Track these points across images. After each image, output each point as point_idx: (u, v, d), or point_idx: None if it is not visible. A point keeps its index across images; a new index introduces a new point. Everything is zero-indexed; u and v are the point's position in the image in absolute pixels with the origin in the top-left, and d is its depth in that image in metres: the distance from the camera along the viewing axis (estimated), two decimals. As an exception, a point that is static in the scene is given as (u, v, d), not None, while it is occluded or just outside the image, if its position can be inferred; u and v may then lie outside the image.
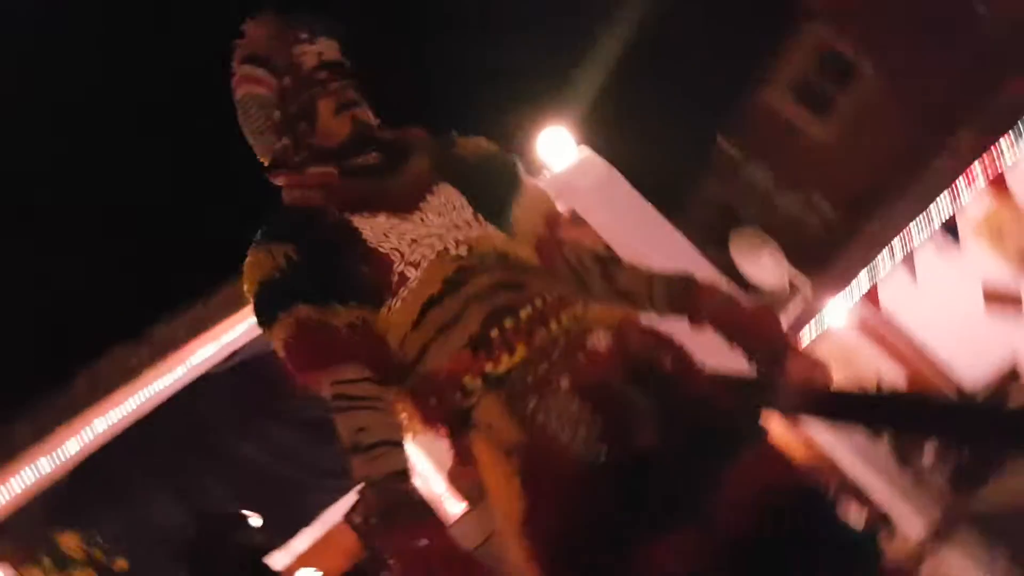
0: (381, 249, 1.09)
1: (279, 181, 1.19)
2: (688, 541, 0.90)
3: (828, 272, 4.53)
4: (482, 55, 6.21)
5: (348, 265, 1.08)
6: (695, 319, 1.15)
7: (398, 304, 1.06)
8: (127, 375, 3.24)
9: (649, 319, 1.14)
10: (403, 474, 1.01)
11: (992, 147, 3.47)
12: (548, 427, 0.96)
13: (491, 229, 1.14)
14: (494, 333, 1.01)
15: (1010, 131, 3.43)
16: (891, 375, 5.17)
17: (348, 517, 1.20)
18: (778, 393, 1.08)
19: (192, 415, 4.02)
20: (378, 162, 1.16)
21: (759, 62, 7.26)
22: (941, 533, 2.64)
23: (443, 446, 1.10)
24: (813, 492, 1.00)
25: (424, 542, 0.96)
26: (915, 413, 1.16)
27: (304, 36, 1.17)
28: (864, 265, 3.95)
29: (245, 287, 1.12)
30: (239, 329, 3.80)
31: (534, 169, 3.17)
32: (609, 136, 3.66)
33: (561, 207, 2.91)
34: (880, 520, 3.86)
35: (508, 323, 1.02)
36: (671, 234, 2.89)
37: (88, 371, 3.22)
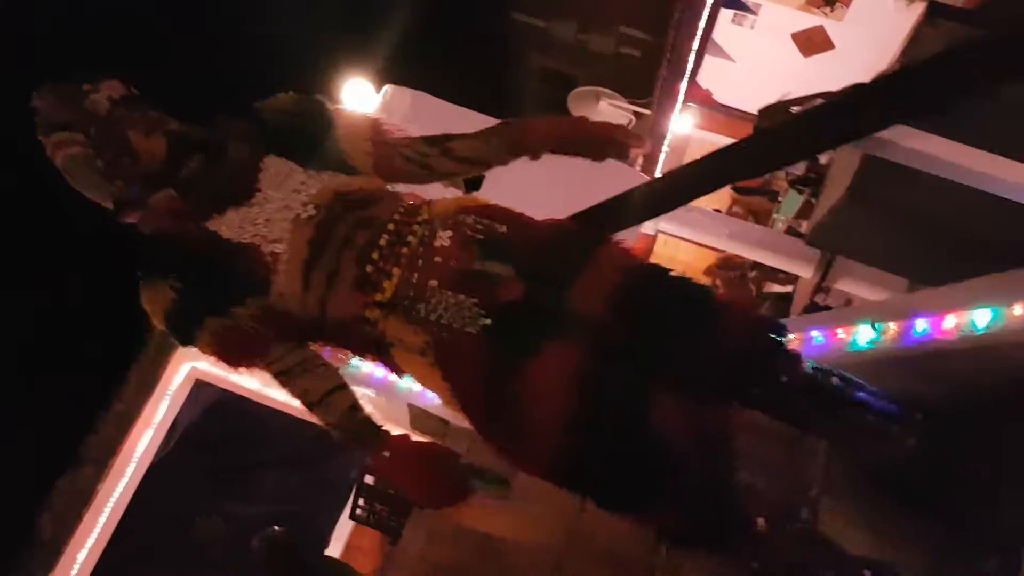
0: (244, 241, 1.20)
1: (130, 220, 1.28)
2: (562, 348, 1.13)
3: (661, 89, 4.84)
4: (270, 27, 6.05)
5: (226, 270, 1.20)
6: (534, 152, 1.30)
7: (281, 279, 1.18)
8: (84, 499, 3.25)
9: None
10: (354, 407, 1.21)
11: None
12: (439, 320, 1.16)
13: (326, 177, 1.25)
14: (370, 268, 1.17)
15: None
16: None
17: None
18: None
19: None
20: (202, 164, 1.25)
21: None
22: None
23: (376, 367, 1.30)
24: (649, 268, 1.24)
25: (386, 453, 1.17)
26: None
27: (87, 88, 1.25)
28: (684, 69, 4.26)
29: (154, 323, 1.23)
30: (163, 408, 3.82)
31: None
32: (415, 69, 3.75)
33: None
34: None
35: (375, 255, 1.17)
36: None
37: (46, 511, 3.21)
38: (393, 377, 1.89)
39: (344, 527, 4.60)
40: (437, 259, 1.19)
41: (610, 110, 6.27)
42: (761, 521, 1.11)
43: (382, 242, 1.18)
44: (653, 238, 4.49)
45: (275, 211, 1.22)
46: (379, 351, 1.22)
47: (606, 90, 6.32)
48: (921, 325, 1.24)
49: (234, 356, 1.22)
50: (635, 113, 6.04)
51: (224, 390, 4.16)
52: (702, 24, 3.97)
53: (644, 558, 1.58)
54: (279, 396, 3.48)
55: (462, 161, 1.31)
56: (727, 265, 4.80)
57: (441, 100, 2.89)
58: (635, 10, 7.17)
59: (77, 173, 1.25)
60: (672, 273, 1.22)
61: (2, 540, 3.40)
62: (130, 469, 3.73)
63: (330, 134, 1.29)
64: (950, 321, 1.21)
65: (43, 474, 3.39)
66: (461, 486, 1.17)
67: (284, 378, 1.22)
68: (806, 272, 3.14)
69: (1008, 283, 1.17)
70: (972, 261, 1.30)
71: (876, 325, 1.29)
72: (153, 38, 5.77)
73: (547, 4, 7.76)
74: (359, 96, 3.22)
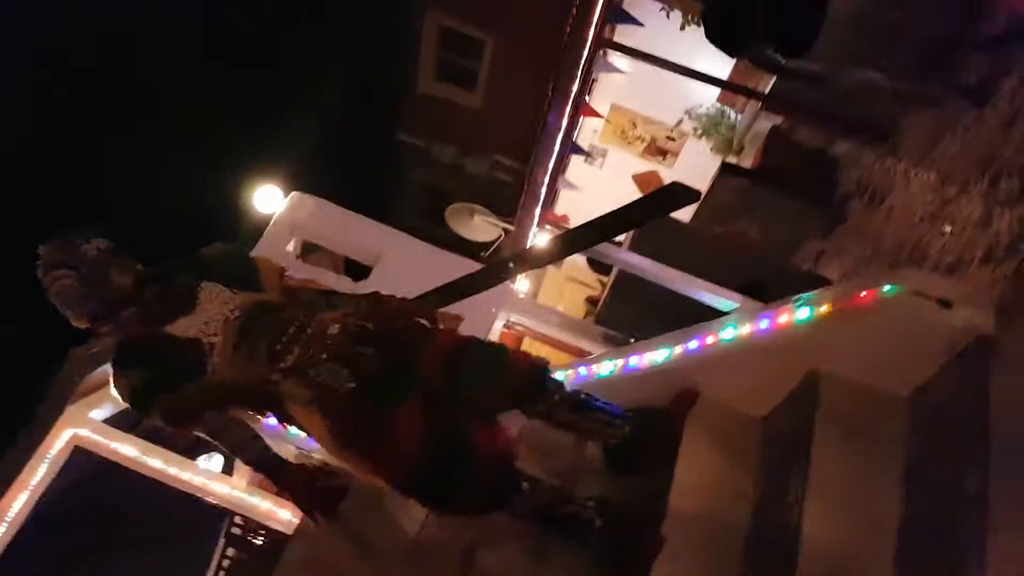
0: (190, 336, 1.90)
1: (105, 331, 1.97)
2: (414, 402, 1.80)
3: (522, 212, 6.02)
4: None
5: (177, 359, 1.87)
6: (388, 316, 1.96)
7: (216, 359, 1.87)
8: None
9: None
10: (266, 448, 1.89)
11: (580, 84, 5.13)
12: (323, 382, 1.81)
13: (245, 294, 1.95)
14: (278, 347, 1.84)
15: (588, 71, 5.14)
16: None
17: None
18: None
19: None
20: (157, 291, 1.98)
21: (403, 59, 8.66)
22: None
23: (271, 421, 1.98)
24: (468, 340, 1.99)
25: (288, 478, 1.87)
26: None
27: (80, 241, 1.97)
28: (538, 196, 5.46)
29: (122, 401, 1.90)
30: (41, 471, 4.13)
31: (259, 221, 4.05)
32: (315, 178, 4.67)
33: (293, 243, 3.81)
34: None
35: (284, 339, 1.85)
36: (387, 230, 3.87)
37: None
38: (284, 427, 2.75)
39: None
40: (328, 343, 1.86)
41: (483, 224, 7.43)
42: (526, 485, 1.92)
43: (291, 330, 1.88)
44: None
45: (211, 316, 1.92)
46: (277, 406, 1.88)
47: (479, 207, 7.50)
48: (633, 361, 2.26)
49: (180, 420, 1.90)
50: (504, 229, 7.22)
51: (87, 467, 4.47)
52: (552, 162, 5.22)
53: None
54: (156, 463, 3.92)
55: (336, 308, 2.01)
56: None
57: (339, 206, 3.75)
58: (508, 142, 8.59)
59: (67, 297, 1.96)
60: (481, 341, 2.01)
61: None
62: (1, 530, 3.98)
63: (252, 271, 2.08)
64: (646, 359, 2.23)
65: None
66: (339, 496, 1.86)
67: (218, 433, 1.88)
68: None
69: (677, 337, 2.22)
70: (664, 324, 2.36)
71: (612, 360, 2.30)
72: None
73: (431, 129, 9.05)
74: (269, 200, 4.06)
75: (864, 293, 1.81)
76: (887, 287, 1.76)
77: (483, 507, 1.92)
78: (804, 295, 1.91)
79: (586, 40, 4.99)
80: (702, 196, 1.77)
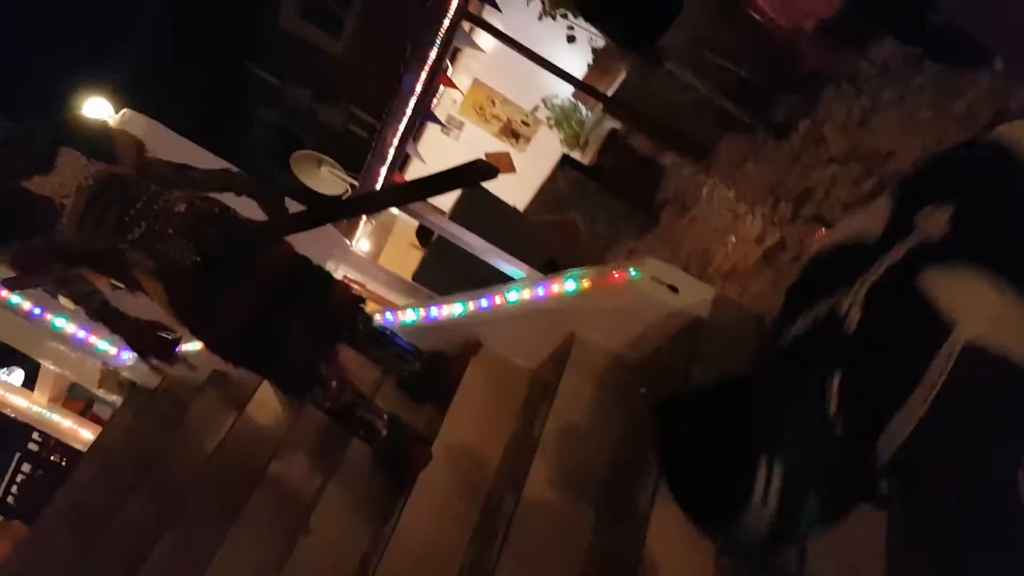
0: (44, 194, 2.09)
1: None
2: (244, 288, 2.19)
3: (367, 170, 6.19)
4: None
5: (29, 212, 2.08)
6: (235, 192, 2.35)
7: (65, 221, 2.09)
8: None
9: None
10: (105, 303, 2.17)
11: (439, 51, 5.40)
12: (168, 254, 2.11)
13: (101, 165, 2.15)
14: (127, 219, 2.11)
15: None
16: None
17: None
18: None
19: None
20: (15, 149, 2.11)
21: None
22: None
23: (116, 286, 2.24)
24: (308, 260, 2.38)
25: (127, 325, 2.17)
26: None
27: None
28: (385, 158, 5.69)
29: None
30: None
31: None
32: (156, 97, 4.58)
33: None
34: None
35: (132, 211, 2.12)
36: (223, 165, 3.95)
37: None
38: (92, 340, 2.91)
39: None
40: (175, 217, 2.16)
41: (329, 176, 7.49)
42: (334, 383, 2.29)
43: (139, 205, 2.15)
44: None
45: (66, 179, 2.13)
46: (123, 272, 2.19)
47: (328, 158, 7.56)
48: (434, 312, 2.64)
49: (26, 268, 2.13)
50: (350, 184, 7.35)
51: None
52: (402, 125, 5.46)
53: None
54: None
55: (191, 183, 2.32)
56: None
57: (172, 132, 3.78)
58: (366, 97, 8.64)
59: None
60: (314, 263, 2.39)
61: None
62: None
63: (107, 141, 2.26)
64: (445, 312, 2.62)
65: None
66: (170, 346, 2.19)
67: (59, 284, 2.16)
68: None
69: (472, 295, 2.62)
70: (469, 287, 2.76)
71: (416, 310, 2.67)
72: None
73: (287, 68, 8.88)
74: (98, 113, 3.98)
75: (616, 274, 2.28)
76: (633, 271, 2.25)
77: (286, 389, 2.45)
78: (573, 271, 2.37)
79: (448, 8, 5.25)
80: (498, 176, 2.15)
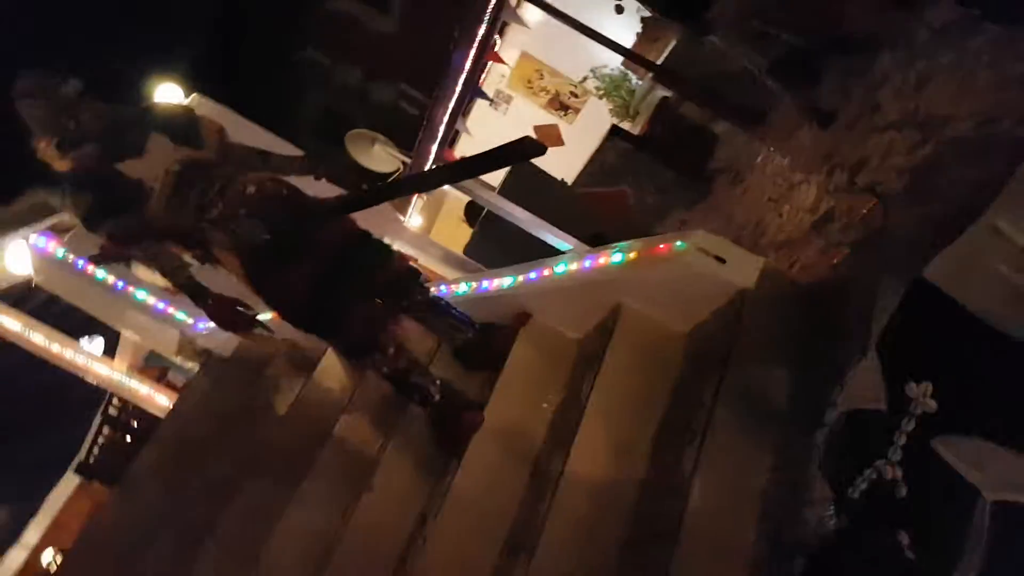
0: (135, 177, 2.31)
1: (67, 158, 2.33)
2: (307, 262, 2.37)
3: (418, 148, 6.32)
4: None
5: (122, 192, 2.30)
6: (315, 176, 2.61)
7: (153, 203, 2.31)
8: None
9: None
10: (191, 276, 2.37)
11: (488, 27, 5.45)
12: (241, 232, 2.31)
13: (186, 150, 2.37)
14: (206, 201, 2.32)
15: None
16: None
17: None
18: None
19: None
20: (115, 133, 2.35)
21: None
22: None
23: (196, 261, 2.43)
24: (363, 232, 2.55)
25: (210, 301, 2.35)
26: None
27: (57, 79, 2.37)
28: (436, 135, 5.80)
29: (75, 216, 2.35)
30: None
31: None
32: (220, 84, 4.80)
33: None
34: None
35: (210, 194, 2.32)
36: (289, 148, 4.14)
37: None
38: (171, 310, 3.11)
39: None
40: (247, 199, 2.36)
41: (383, 154, 7.67)
42: (391, 350, 2.45)
43: (215, 187, 2.35)
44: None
45: (155, 163, 2.35)
46: (204, 249, 2.40)
47: (381, 136, 7.72)
48: (485, 285, 2.76)
49: (121, 241, 2.36)
50: (403, 162, 7.51)
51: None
52: (452, 103, 5.56)
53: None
54: (38, 339, 4.11)
55: (271, 167, 2.56)
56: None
57: (243, 119, 3.99)
58: (417, 73, 8.74)
59: (38, 123, 2.31)
60: (374, 236, 2.54)
61: None
62: None
63: (193, 127, 2.48)
64: (495, 284, 2.74)
65: None
66: (249, 321, 2.38)
67: (150, 257, 2.37)
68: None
69: (521, 268, 2.73)
70: (518, 260, 2.87)
71: (468, 283, 2.80)
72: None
73: (335, 46, 9.04)
74: (170, 97, 4.21)
75: (662, 246, 2.35)
76: (678, 242, 2.32)
77: (348, 355, 2.65)
78: (619, 243, 2.45)
79: (496, -18, 5.28)
80: (546, 152, 2.23)
